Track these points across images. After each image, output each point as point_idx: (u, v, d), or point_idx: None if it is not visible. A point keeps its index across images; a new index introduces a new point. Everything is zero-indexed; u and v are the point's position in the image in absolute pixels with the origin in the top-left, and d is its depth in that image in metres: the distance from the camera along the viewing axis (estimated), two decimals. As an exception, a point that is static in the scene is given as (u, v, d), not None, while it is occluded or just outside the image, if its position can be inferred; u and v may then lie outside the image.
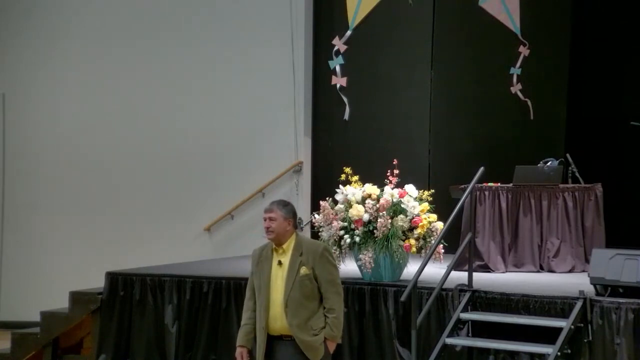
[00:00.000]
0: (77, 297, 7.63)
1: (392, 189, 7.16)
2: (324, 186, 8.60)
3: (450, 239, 7.11)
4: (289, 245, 4.98)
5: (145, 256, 9.43)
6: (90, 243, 10.47)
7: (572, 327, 6.07)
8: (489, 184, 8.05)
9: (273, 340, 4.92)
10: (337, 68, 9.91)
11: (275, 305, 4.89)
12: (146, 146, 10.51)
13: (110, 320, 7.50)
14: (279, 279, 4.92)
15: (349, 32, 9.88)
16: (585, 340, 6.10)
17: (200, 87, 10.40)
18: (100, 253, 10.21)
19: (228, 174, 10.18)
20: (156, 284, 7.44)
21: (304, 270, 4.93)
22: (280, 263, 4.95)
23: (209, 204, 10.15)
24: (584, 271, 7.50)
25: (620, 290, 6.25)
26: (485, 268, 7.90)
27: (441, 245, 6.86)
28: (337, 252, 7.14)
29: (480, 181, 7.16)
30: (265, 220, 4.99)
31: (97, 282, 7.73)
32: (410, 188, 7.19)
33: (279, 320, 4.89)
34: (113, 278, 7.55)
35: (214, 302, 7.28)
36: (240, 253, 9.43)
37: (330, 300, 4.94)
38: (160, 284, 7.43)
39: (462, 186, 7.53)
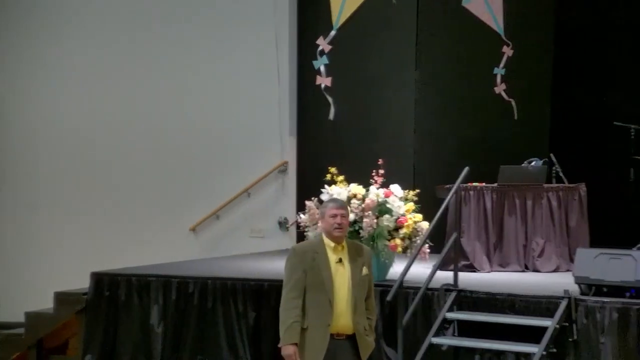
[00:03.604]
0: (62, 298, 7.58)
1: (378, 188, 7.18)
2: (309, 186, 8.60)
3: (436, 239, 7.13)
4: (345, 243, 4.97)
5: (130, 256, 9.40)
6: (75, 243, 10.42)
7: (557, 326, 6.11)
8: (474, 183, 8.08)
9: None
10: (322, 68, 9.92)
11: (340, 303, 4.83)
12: (131, 147, 10.47)
13: (95, 321, 7.46)
14: (340, 276, 4.86)
15: (333, 32, 9.89)
16: (571, 340, 6.14)
17: (185, 88, 10.38)
18: (85, 253, 10.17)
19: (213, 174, 10.16)
20: (142, 285, 7.40)
21: (365, 270, 4.95)
22: (340, 261, 4.90)
23: (194, 204, 10.13)
24: (568, 270, 7.54)
25: (605, 289, 6.30)
26: (471, 268, 7.93)
27: (427, 245, 6.88)
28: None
29: (465, 181, 7.19)
30: (336, 216, 4.91)
31: (82, 283, 7.69)
32: (395, 188, 7.21)
33: (342, 318, 4.83)
34: (98, 278, 7.52)
35: (200, 302, 7.26)
36: (226, 253, 9.42)
37: (373, 303, 5.01)
38: (146, 284, 7.40)
39: (447, 186, 7.56)
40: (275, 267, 8.25)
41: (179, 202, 10.22)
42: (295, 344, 4.79)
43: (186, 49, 10.33)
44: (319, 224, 7.02)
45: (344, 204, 5.02)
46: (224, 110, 10.23)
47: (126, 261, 8.80)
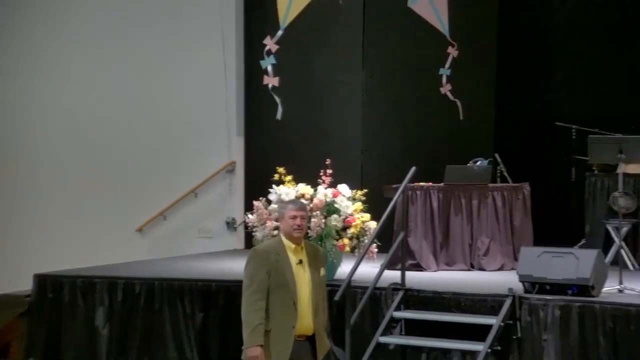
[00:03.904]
0: (2, 300, 7.45)
1: (326, 188, 7.20)
2: (257, 186, 8.57)
3: (383, 238, 7.18)
4: (303, 244, 4.96)
5: (75, 258, 9.25)
6: (18, 244, 10.22)
7: (502, 324, 6.20)
8: (421, 183, 8.16)
9: None
10: (269, 68, 9.89)
11: (303, 304, 4.83)
12: (76, 144, 10.33)
13: (38, 324, 7.34)
14: (301, 278, 4.86)
15: (280, 32, 9.87)
16: (514, 337, 6.25)
17: (132, 87, 10.27)
18: (28, 254, 9.98)
19: (160, 174, 10.07)
20: (87, 286, 7.31)
21: (323, 271, 4.98)
22: (301, 262, 4.90)
23: (140, 204, 10.03)
24: (513, 269, 7.66)
25: (548, 287, 6.42)
26: (418, 267, 8.00)
27: (374, 245, 6.92)
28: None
29: (412, 181, 7.24)
30: (296, 218, 4.90)
31: (25, 285, 7.55)
32: (343, 188, 7.24)
33: (305, 319, 4.84)
34: (41, 280, 7.39)
35: (147, 303, 7.20)
36: (173, 254, 9.34)
37: (324, 303, 5.00)
38: (91, 285, 7.30)
39: (395, 186, 7.61)
40: (223, 268, 8.23)
41: (125, 203, 10.10)
42: (261, 346, 4.78)
43: (132, 49, 10.21)
44: (268, 224, 7.10)
45: (303, 205, 5.03)
46: (170, 110, 10.15)
47: (71, 262, 8.66)
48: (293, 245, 4.89)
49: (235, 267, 8.25)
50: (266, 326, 4.80)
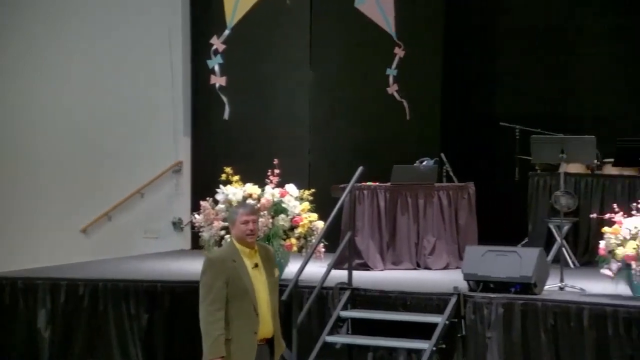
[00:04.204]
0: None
1: (273, 188, 7.21)
2: (204, 186, 8.53)
3: (331, 238, 7.21)
4: (256, 247, 4.90)
5: (17, 259, 9.09)
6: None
7: (447, 322, 6.28)
8: (368, 183, 8.21)
9: None
10: (216, 67, 9.84)
11: (262, 309, 4.77)
12: (18, 143, 10.14)
13: (-24, 326, 7.19)
14: (258, 282, 4.80)
15: (227, 32, 9.83)
16: (459, 335, 6.33)
17: (77, 85, 10.13)
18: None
19: (105, 174, 9.95)
20: (28, 288, 7.19)
21: (276, 271, 4.93)
22: (257, 265, 4.83)
23: (85, 204, 9.89)
24: (458, 268, 7.76)
25: (492, 285, 6.52)
26: (365, 266, 8.05)
27: (322, 244, 6.94)
28: (218, 252, 7.11)
29: (359, 180, 7.29)
30: (248, 223, 4.82)
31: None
32: (291, 188, 7.25)
33: (266, 323, 4.79)
34: (-19, 282, 7.25)
35: (91, 305, 7.11)
36: (118, 254, 9.24)
37: (277, 302, 4.94)
38: (33, 287, 7.19)
39: (342, 186, 7.65)
40: (170, 268, 8.17)
41: (69, 203, 9.96)
42: (223, 357, 4.71)
43: (79, 48, 10.07)
44: (215, 224, 7.08)
45: (254, 209, 4.97)
46: (115, 109, 10.03)
47: (12, 263, 8.52)
48: (247, 250, 4.83)
49: (181, 267, 8.21)
50: (226, 335, 4.73)
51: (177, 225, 9.79)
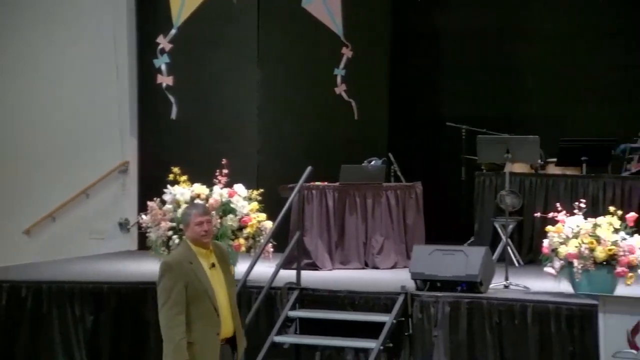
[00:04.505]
0: None
1: (221, 188, 7.18)
2: (152, 186, 8.45)
3: (279, 238, 7.21)
4: (211, 247, 4.85)
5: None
6: None
7: (394, 321, 6.33)
8: (317, 183, 8.23)
9: None
10: (163, 67, 9.76)
11: (223, 309, 4.73)
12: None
13: None
14: (217, 282, 4.75)
15: (173, 31, 9.75)
16: (406, 334, 6.39)
17: (22, 84, 9.96)
18: None
19: (50, 174, 9.80)
20: (-31, 291, 7.04)
21: (232, 269, 4.93)
22: (213, 265, 4.79)
23: (28, 205, 9.73)
24: (405, 267, 7.81)
25: (438, 284, 6.59)
26: (313, 266, 8.06)
27: (270, 244, 6.94)
28: (166, 253, 7.06)
29: (307, 180, 7.31)
30: (202, 224, 4.77)
31: None
32: (239, 187, 7.24)
33: (227, 323, 4.74)
34: None
35: (34, 307, 7.00)
36: (64, 256, 9.10)
37: (236, 299, 4.90)
38: (-26, 290, 7.04)
39: (291, 185, 7.65)
40: (116, 269, 8.08)
41: (11, 203, 9.78)
42: None
43: (22, 48, 9.91)
44: (162, 225, 7.02)
45: (207, 209, 4.94)
46: (61, 109, 9.88)
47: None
48: (203, 250, 4.80)
49: (128, 268, 8.13)
50: (188, 338, 4.68)
51: (123, 225, 9.69)
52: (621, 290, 6.38)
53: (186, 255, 4.77)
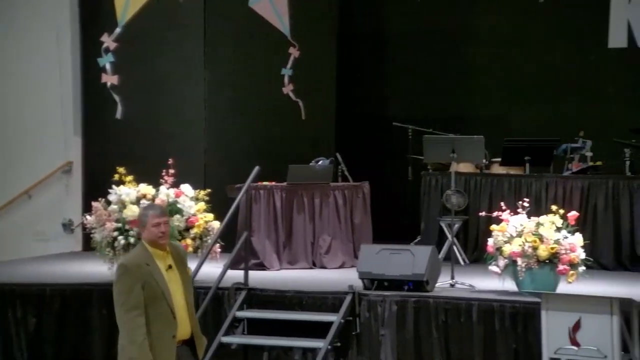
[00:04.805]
0: None
1: (168, 188, 7.13)
2: (97, 187, 8.35)
3: (227, 238, 7.19)
4: (168, 248, 4.81)
5: None
6: None
7: (342, 320, 6.36)
8: (264, 183, 8.21)
9: None
10: (107, 66, 9.64)
11: (180, 311, 4.69)
12: None
13: None
14: (174, 283, 4.71)
15: (118, 30, 9.63)
16: (354, 333, 6.42)
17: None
18: None
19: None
20: None
21: (189, 270, 4.88)
22: (170, 267, 4.75)
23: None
24: (353, 266, 7.85)
25: (386, 283, 6.64)
26: (261, 266, 8.05)
27: (218, 245, 6.91)
28: (111, 254, 6.99)
29: (255, 180, 7.30)
30: (160, 225, 4.72)
31: None
32: (186, 188, 7.20)
33: (183, 325, 4.71)
34: None
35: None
36: (5, 258, 8.93)
37: (193, 300, 4.87)
38: None
39: (238, 185, 7.63)
40: (60, 271, 7.96)
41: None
42: None
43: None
44: (107, 226, 6.94)
45: (164, 210, 4.91)
46: (2, 107, 9.69)
47: None
48: (160, 252, 4.76)
49: (72, 270, 8.02)
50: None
51: (67, 226, 9.54)
52: (563, 288, 6.51)
53: (143, 257, 4.74)
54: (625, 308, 5.58)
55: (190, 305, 4.78)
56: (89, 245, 7.42)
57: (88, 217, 7.08)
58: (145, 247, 4.76)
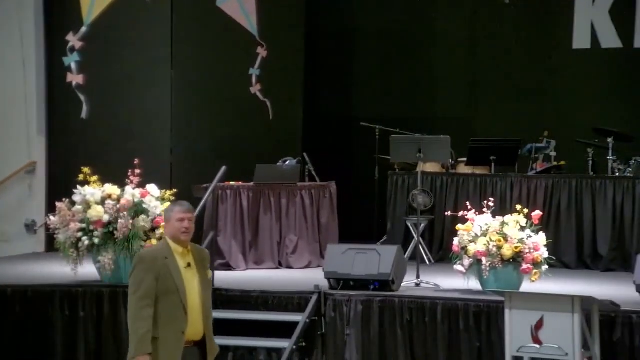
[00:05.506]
0: None
1: (134, 189, 7.09)
2: (61, 187, 8.27)
3: (193, 239, 7.07)
4: (190, 247, 4.79)
5: None
6: None
7: (308, 320, 6.37)
8: (231, 183, 8.20)
9: None
10: (73, 65, 9.55)
11: (193, 310, 4.65)
12: None
13: None
14: (190, 282, 4.68)
15: (84, 29, 9.55)
16: (319, 333, 6.43)
17: None
18: None
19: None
20: None
21: (209, 273, 4.85)
22: (189, 265, 4.72)
23: None
24: (319, 266, 7.87)
25: (352, 283, 6.66)
26: (227, 266, 8.03)
27: (183, 245, 6.85)
28: (75, 255, 6.93)
29: (222, 180, 7.28)
30: (184, 220, 4.71)
31: None
32: (152, 188, 7.15)
33: (196, 324, 4.66)
34: None
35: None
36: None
37: (210, 305, 4.83)
38: None
39: (205, 185, 7.61)
40: (21, 272, 7.88)
41: None
42: (150, 354, 4.60)
43: None
44: (72, 226, 6.87)
45: (190, 208, 4.88)
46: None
47: None
48: (180, 249, 4.74)
49: (34, 270, 7.94)
50: (154, 333, 4.63)
51: (30, 227, 9.43)
52: (526, 286, 6.57)
53: (162, 251, 4.75)
54: (587, 306, 5.65)
55: (206, 308, 4.75)
56: (52, 246, 7.34)
57: (52, 217, 7.01)
58: (167, 242, 4.77)
